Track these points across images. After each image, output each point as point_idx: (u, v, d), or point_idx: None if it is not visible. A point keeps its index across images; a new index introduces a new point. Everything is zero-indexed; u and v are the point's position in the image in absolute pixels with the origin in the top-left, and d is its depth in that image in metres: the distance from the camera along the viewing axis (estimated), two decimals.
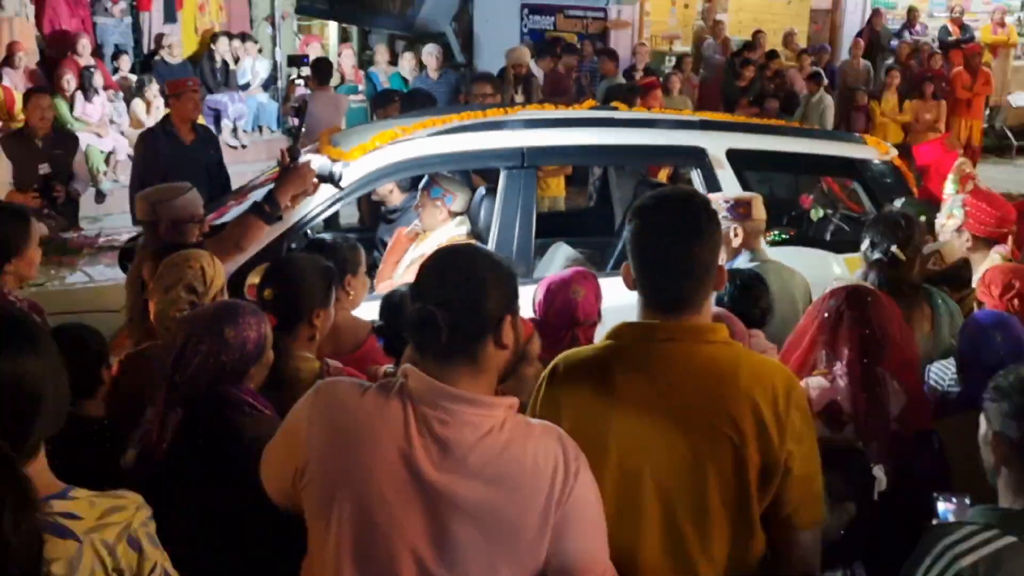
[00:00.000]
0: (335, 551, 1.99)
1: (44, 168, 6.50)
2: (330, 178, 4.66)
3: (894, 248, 3.54)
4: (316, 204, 4.81)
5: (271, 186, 4.49)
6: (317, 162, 4.68)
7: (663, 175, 7.52)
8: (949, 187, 4.71)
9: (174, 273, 3.18)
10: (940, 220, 4.49)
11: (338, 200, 5.01)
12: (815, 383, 2.95)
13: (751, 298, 3.82)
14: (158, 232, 3.98)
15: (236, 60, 12.52)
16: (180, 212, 4.01)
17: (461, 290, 1.96)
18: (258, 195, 4.69)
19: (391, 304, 3.46)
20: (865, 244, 3.75)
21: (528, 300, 4.06)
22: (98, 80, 10.92)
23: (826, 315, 3.02)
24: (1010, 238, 4.55)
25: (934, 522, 2.37)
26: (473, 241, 5.28)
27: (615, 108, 6.40)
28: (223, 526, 2.34)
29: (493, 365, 2.02)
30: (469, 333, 1.97)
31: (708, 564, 2.19)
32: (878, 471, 2.79)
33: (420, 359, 2.01)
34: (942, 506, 2.40)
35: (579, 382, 2.25)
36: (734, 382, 2.17)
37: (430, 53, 10.75)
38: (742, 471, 2.15)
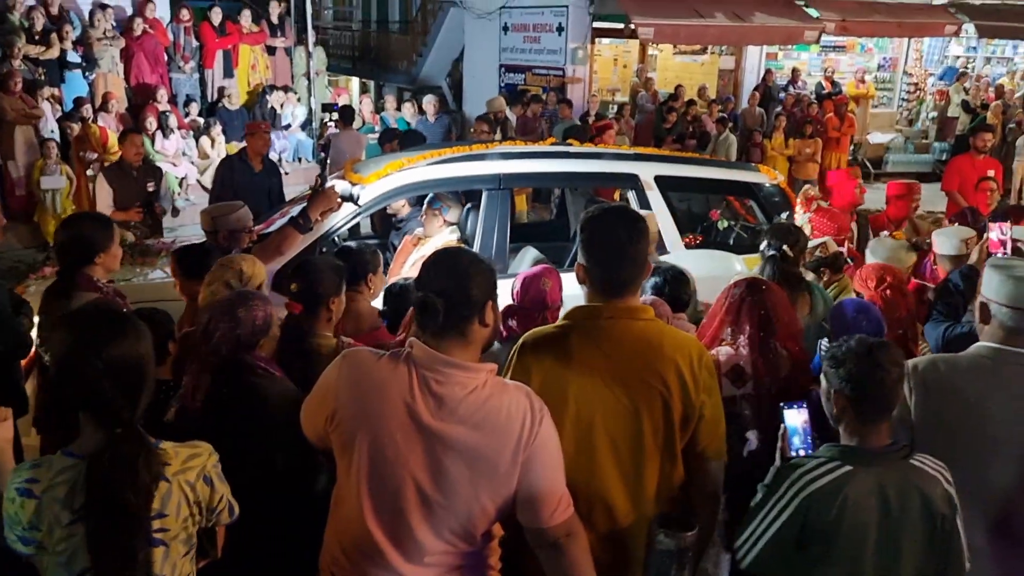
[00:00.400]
0: (356, 479, 2.00)
1: (151, 186, 6.48)
2: (350, 198, 4.64)
3: (784, 247, 3.54)
4: (341, 217, 4.78)
5: (305, 204, 4.46)
6: (340, 186, 4.64)
7: (617, 195, 7.51)
8: (798, 208, 4.71)
9: (218, 273, 3.18)
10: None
11: (359, 215, 4.98)
12: (724, 351, 2.96)
13: (678, 288, 3.81)
14: (217, 240, 3.94)
15: (281, 106, 12.42)
16: (234, 224, 3.98)
17: (453, 281, 1.97)
18: (295, 211, 4.66)
19: (391, 294, 3.45)
20: (763, 245, 3.75)
21: (506, 291, 4.06)
22: (173, 122, 10.82)
23: (731, 301, 3.02)
24: (847, 242, 4.59)
25: (780, 427, 2.37)
26: (463, 245, 5.27)
27: (570, 144, 6.37)
28: (249, 463, 2.34)
29: (478, 339, 2.04)
30: (460, 314, 1.98)
31: (644, 489, 2.24)
32: (751, 435, 2.81)
33: (421, 335, 2.01)
34: (787, 412, 2.37)
35: (543, 352, 2.27)
36: (660, 350, 2.21)
37: (429, 101, 10.71)
38: (669, 417, 2.21)
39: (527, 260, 5.54)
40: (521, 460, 1.96)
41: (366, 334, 3.41)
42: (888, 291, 3.55)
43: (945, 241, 4.33)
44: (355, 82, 19.81)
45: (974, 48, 17.39)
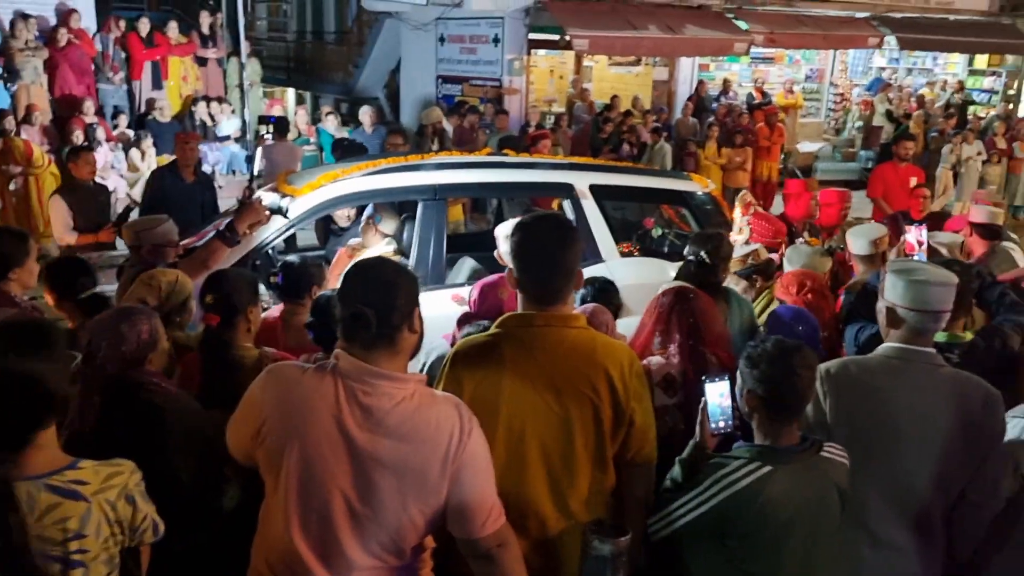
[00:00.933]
0: (283, 495, 1.96)
1: (128, 203, 6.20)
2: (279, 210, 4.57)
3: (702, 253, 3.60)
4: (273, 230, 4.70)
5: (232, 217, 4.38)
6: (268, 198, 4.57)
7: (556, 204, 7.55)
8: (737, 211, 4.79)
9: (136, 288, 3.12)
10: (733, 236, 4.58)
11: (292, 227, 4.91)
12: (655, 361, 2.98)
13: (608, 298, 3.83)
14: (141, 254, 3.84)
15: (211, 117, 12.19)
16: (158, 238, 3.88)
17: (382, 292, 1.96)
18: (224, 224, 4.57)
19: (319, 305, 3.40)
20: (687, 251, 3.81)
21: (444, 301, 4.06)
22: (100, 134, 10.51)
23: (661, 309, 3.05)
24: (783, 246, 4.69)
25: (701, 401, 2.40)
26: (400, 256, 5.23)
27: (506, 154, 6.38)
28: (152, 482, 2.26)
29: (407, 347, 2.03)
30: (391, 324, 1.97)
31: (576, 496, 2.25)
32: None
33: (348, 346, 1.98)
34: (708, 387, 2.40)
35: (476, 361, 2.26)
36: (592, 357, 2.22)
37: (365, 112, 10.61)
38: (599, 424, 2.22)
39: (464, 270, 5.54)
40: (450, 472, 1.95)
41: (312, 347, 3.36)
42: (810, 295, 3.64)
43: (855, 241, 4.43)
44: (291, 93, 19.57)
45: (896, 60, 17.99)
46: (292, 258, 4.12)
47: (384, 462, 1.93)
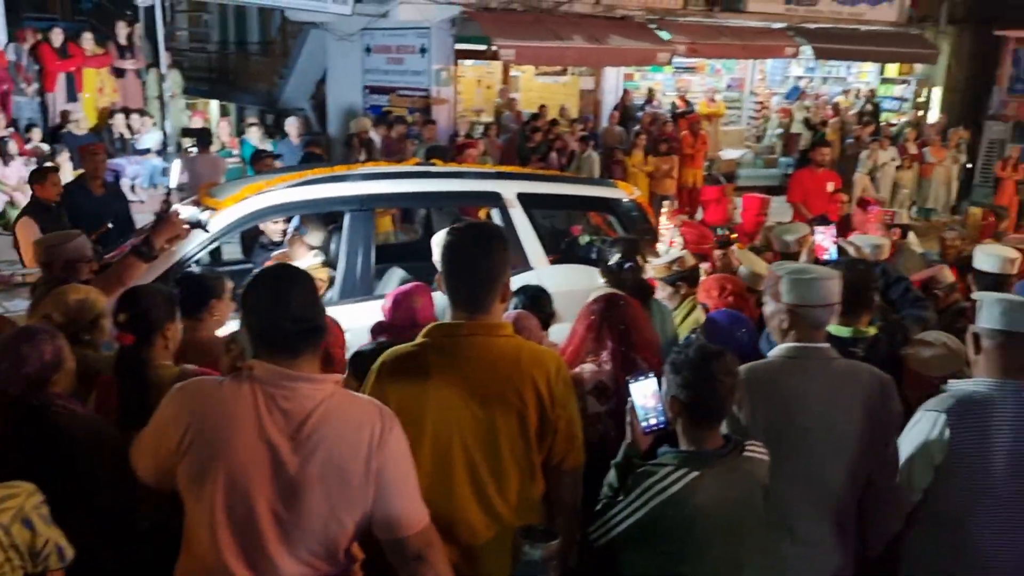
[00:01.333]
0: (209, 511, 1.91)
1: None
2: (198, 224, 4.45)
3: (623, 259, 3.65)
4: (195, 244, 4.59)
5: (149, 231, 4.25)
6: (187, 211, 4.45)
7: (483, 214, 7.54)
8: (664, 220, 4.86)
9: (43, 305, 3.02)
10: (663, 245, 4.66)
11: (215, 240, 4.79)
12: (588, 368, 2.99)
13: (540, 306, 3.85)
14: (53, 271, 3.70)
15: (131, 130, 11.85)
16: (71, 254, 3.75)
17: (304, 304, 1.95)
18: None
19: None
20: (609, 257, 3.85)
21: (373, 311, 4.02)
22: (13, 148, 10.13)
23: (592, 317, 3.06)
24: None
25: (628, 402, 2.41)
26: (324, 270, 5.17)
27: (433, 164, 6.37)
28: (63, 506, 2.19)
29: (321, 348, 2.04)
30: (317, 332, 1.98)
31: (504, 503, 2.25)
32: None
33: (269, 355, 1.95)
34: (634, 386, 2.40)
35: (401, 372, 2.24)
36: (518, 365, 2.23)
37: (291, 124, 10.50)
38: (525, 431, 2.22)
39: (394, 281, 5.49)
40: (374, 469, 1.94)
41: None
42: (731, 298, 3.71)
43: (778, 240, 4.56)
44: (214, 104, 19.18)
45: (812, 69, 18.55)
46: (191, 270, 4.03)
47: (307, 466, 1.91)
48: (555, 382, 2.25)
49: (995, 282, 3.98)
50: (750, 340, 3.16)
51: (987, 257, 4.18)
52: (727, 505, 2.26)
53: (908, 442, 2.56)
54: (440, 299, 3.53)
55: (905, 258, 4.91)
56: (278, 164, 8.91)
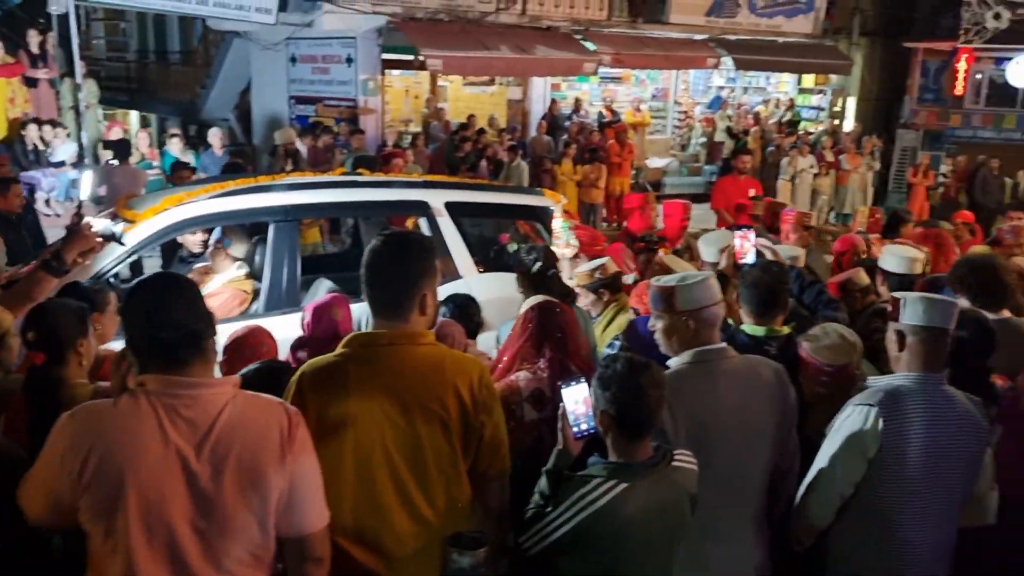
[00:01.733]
0: (124, 540, 1.83)
1: None
2: (113, 237, 4.29)
3: (537, 267, 3.69)
4: (111, 258, 4.46)
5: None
6: (100, 224, 4.28)
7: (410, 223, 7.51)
8: (560, 224, 4.89)
9: None
10: (561, 248, 4.70)
11: (134, 253, 4.66)
12: (523, 376, 3.00)
13: (468, 314, 3.84)
14: None
15: (45, 142, 11.41)
16: None
17: (186, 308, 1.93)
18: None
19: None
20: (530, 265, 3.89)
21: (298, 324, 3.95)
22: None
23: (530, 325, 3.08)
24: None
25: (560, 407, 2.42)
26: (253, 281, 5.07)
27: (359, 174, 6.32)
28: None
29: (214, 354, 2.01)
30: (203, 336, 1.95)
31: (431, 510, 2.22)
32: None
33: (159, 367, 1.91)
34: (565, 392, 2.40)
35: (321, 383, 2.21)
36: (440, 373, 2.21)
37: (214, 135, 10.32)
38: (449, 439, 2.21)
39: (321, 292, 5.40)
40: (288, 466, 1.93)
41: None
42: None
43: (705, 249, 4.65)
44: (134, 115, 18.68)
45: (733, 79, 19.06)
46: (76, 281, 3.89)
47: (221, 474, 1.87)
48: (478, 389, 2.24)
49: (903, 281, 4.14)
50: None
51: (893, 257, 4.34)
52: (656, 515, 2.28)
53: (838, 436, 2.61)
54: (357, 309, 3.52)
55: (813, 258, 5.08)
56: (204, 175, 8.76)
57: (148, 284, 2.00)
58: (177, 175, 7.70)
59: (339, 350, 2.27)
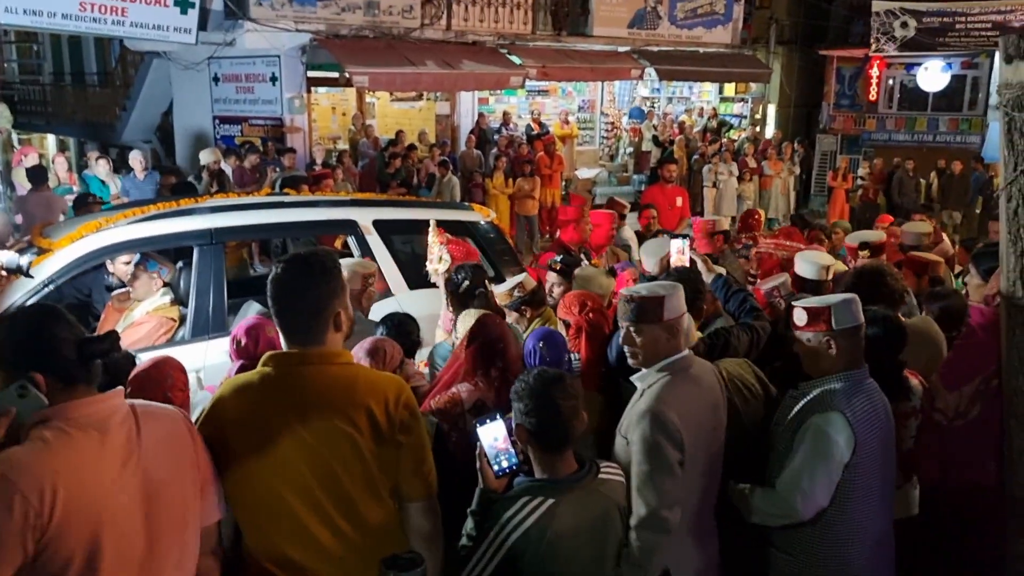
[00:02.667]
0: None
1: None
2: (18, 269, 4.13)
3: (465, 286, 3.72)
4: (23, 292, 4.31)
5: None
6: (4, 257, 4.13)
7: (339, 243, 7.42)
8: (432, 238, 4.90)
9: None
10: (433, 264, 4.73)
11: (50, 284, 4.50)
12: (464, 388, 3.03)
13: (405, 333, 3.82)
14: None
15: None
16: None
17: (65, 332, 1.88)
18: None
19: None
20: (462, 284, 3.91)
21: (225, 348, 3.88)
22: None
23: (477, 340, 3.11)
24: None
25: (477, 447, 2.42)
26: (179, 306, 4.95)
27: (286, 194, 6.25)
28: None
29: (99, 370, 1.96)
30: (94, 354, 1.91)
31: (354, 529, 2.19)
32: None
33: (63, 393, 1.86)
34: (481, 430, 2.41)
35: (234, 401, 2.20)
36: (352, 393, 2.19)
37: (135, 158, 9.99)
38: (361, 458, 2.17)
39: (251, 315, 5.33)
40: (202, 468, 2.02)
41: None
42: (591, 314, 3.80)
43: (647, 259, 4.72)
44: (51, 139, 18.10)
45: (658, 89, 19.42)
46: None
47: (148, 492, 1.89)
48: (394, 408, 2.20)
49: (814, 287, 4.29)
50: (553, 359, 3.22)
51: (806, 264, 4.49)
52: (587, 529, 2.29)
53: (811, 449, 2.67)
54: None
55: (727, 263, 5.20)
56: (126, 199, 8.50)
57: (30, 317, 1.93)
58: (82, 208, 7.37)
59: (259, 368, 2.25)
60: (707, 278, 3.75)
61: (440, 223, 6.05)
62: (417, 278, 5.63)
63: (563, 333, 3.63)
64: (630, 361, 2.74)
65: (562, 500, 2.27)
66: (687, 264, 3.90)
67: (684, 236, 4.26)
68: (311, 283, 2.20)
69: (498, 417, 2.42)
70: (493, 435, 2.38)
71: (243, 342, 3.63)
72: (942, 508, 3.13)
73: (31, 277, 4.21)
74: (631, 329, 2.70)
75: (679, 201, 9.63)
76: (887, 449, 2.78)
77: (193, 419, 2.20)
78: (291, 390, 2.17)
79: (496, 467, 2.38)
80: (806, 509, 2.65)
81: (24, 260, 4.15)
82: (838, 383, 2.74)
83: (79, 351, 1.87)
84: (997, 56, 2.82)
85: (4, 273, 3.92)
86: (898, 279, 3.90)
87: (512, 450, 2.38)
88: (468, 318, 3.59)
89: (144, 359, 3.51)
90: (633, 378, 2.74)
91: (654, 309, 2.66)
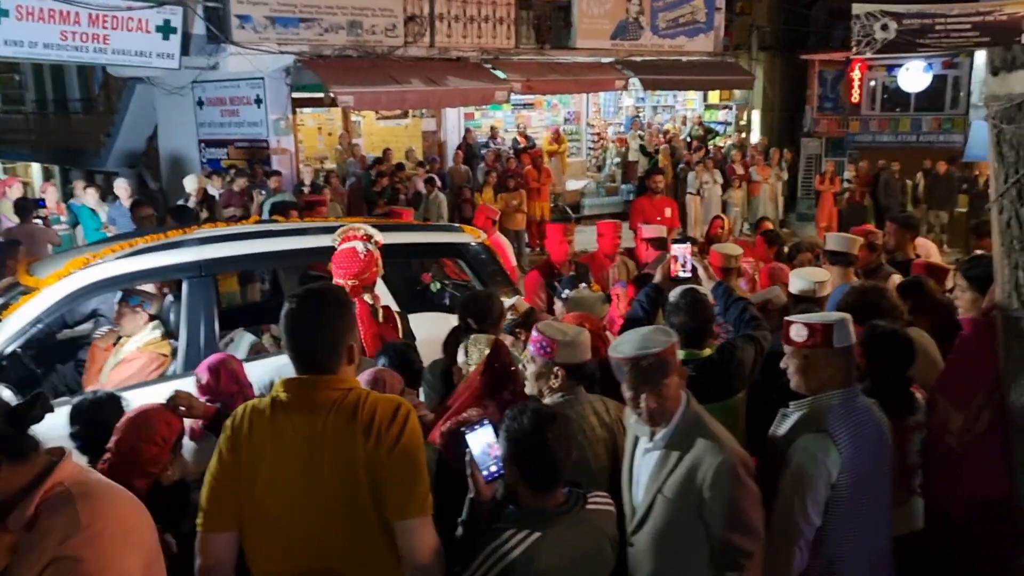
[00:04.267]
0: None
1: None
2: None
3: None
4: (12, 331, 4.26)
5: None
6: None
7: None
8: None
9: None
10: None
11: (38, 323, 4.44)
12: (473, 411, 2.96)
13: (406, 362, 3.79)
14: None
15: None
16: None
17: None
18: None
19: (81, 410, 3.11)
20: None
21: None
22: None
23: (495, 366, 3.05)
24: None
25: (466, 454, 2.38)
26: (168, 341, 4.88)
27: (275, 221, 6.20)
28: None
29: None
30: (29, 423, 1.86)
31: (370, 554, 2.21)
32: None
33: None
34: (470, 437, 2.38)
35: (252, 423, 2.24)
36: (353, 416, 2.20)
37: (120, 185, 9.98)
38: (359, 484, 2.18)
39: (243, 345, 5.27)
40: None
41: None
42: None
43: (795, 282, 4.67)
44: (36, 168, 18.02)
45: (643, 99, 19.46)
46: None
47: None
48: (387, 427, 2.18)
49: (807, 303, 4.26)
50: None
51: (799, 280, 4.46)
52: (572, 562, 2.25)
53: (802, 470, 2.65)
54: None
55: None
56: (114, 228, 8.42)
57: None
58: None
59: (272, 393, 2.29)
60: (708, 285, 3.74)
61: (428, 247, 6.04)
62: (409, 302, 5.61)
63: None
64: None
65: (548, 533, 2.24)
66: (688, 273, 3.85)
67: (686, 241, 4.16)
68: (327, 318, 2.26)
69: (486, 423, 2.41)
70: (481, 441, 2.37)
71: (205, 379, 3.67)
72: (950, 522, 3.11)
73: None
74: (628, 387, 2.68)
75: (668, 212, 9.61)
76: (881, 466, 2.75)
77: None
78: (298, 415, 2.22)
79: (485, 472, 2.35)
80: (806, 545, 2.67)
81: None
82: (830, 401, 2.74)
83: (8, 420, 1.78)
84: (977, 56, 2.82)
85: None
86: (888, 298, 3.88)
87: (499, 456, 2.37)
88: (478, 344, 3.55)
89: (132, 396, 3.47)
90: None
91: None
